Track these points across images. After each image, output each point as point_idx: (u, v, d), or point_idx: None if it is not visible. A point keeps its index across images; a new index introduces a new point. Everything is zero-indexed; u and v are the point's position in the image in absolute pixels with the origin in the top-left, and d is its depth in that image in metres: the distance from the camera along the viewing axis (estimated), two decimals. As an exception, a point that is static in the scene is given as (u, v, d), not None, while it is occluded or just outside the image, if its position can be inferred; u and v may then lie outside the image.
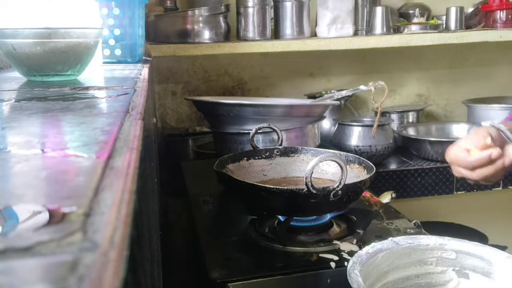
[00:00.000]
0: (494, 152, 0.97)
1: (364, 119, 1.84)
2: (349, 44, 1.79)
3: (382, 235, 0.94)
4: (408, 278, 0.81)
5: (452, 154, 1.03)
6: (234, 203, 1.08)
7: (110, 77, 0.98)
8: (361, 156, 1.09)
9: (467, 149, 1.00)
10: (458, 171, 1.03)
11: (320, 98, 1.52)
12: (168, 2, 1.86)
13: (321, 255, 0.87)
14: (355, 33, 1.86)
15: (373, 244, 0.79)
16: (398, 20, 2.05)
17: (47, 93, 0.69)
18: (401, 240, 0.80)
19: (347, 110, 1.98)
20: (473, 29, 1.97)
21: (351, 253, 0.87)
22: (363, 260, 0.74)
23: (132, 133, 0.40)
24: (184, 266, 1.17)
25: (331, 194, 0.86)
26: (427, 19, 2.02)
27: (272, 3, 1.76)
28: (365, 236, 0.94)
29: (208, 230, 1.03)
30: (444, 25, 1.98)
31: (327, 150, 1.26)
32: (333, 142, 1.76)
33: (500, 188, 1.80)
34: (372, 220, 0.99)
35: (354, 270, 0.71)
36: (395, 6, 2.13)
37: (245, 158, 1.13)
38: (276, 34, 1.79)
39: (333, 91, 1.80)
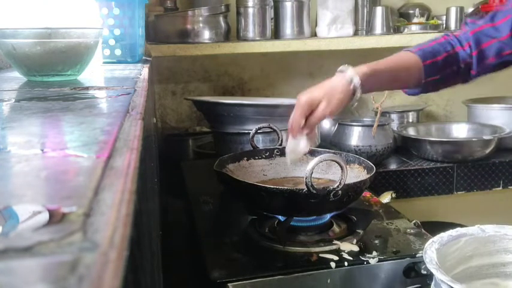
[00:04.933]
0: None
1: (364, 119, 1.84)
2: (349, 44, 1.79)
3: (382, 235, 0.94)
4: (494, 265, 0.82)
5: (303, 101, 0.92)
6: (234, 203, 1.08)
7: (110, 77, 0.98)
8: (361, 156, 1.09)
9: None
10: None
11: (320, 98, 1.51)
12: (168, 2, 1.86)
13: (321, 255, 0.87)
14: (355, 33, 1.86)
15: (457, 228, 0.80)
16: (399, 20, 2.05)
17: (47, 93, 0.69)
18: (488, 228, 0.82)
19: (347, 110, 1.98)
20: (473, 29, 1.96)
21: (351, 253, 0.87)
22: (443, 241, 0.77)
23: (132, 133, 0.40)
24: (184, 266, 1.17)
25: (331, 194, 0.86)
26: (427, 19, 2.02)
27: (272, 3, 1.76)
28: (365, 236, 0.94)
29: (208, 230, 1.03)
30: (444, 25, 1.98)
31: (327, 150, 1.26)
32: (333, 142, 1.76)
33: (500, 188, 1.80)
34: (372, 220, 0.99)
35: (431, 248, 0.74)
36: (395, 6, 2.13)
37: (245, 158, 1.13)
38: (276, 34, 1.79)
39: (333, 91, 1.79)
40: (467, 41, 1.04)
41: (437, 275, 0.70)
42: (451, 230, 0.81)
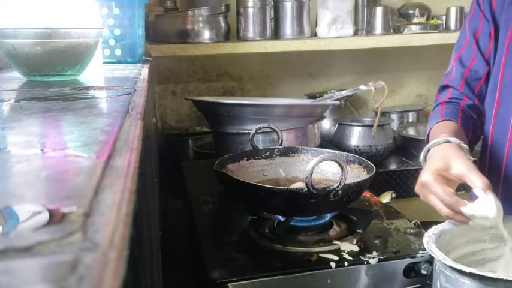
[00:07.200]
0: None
1: (364, 119, 1.84)
2: (349, 44, 1.79)
3: (382, 235, 0.94)
4: (465, 256, 0.83)
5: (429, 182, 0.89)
6: (234, 203, 1.08)
7: (110, 77, 0.98)
8: (361, 156, 1.09)
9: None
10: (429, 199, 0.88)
11: (320, 98, 1.51)
12: (168, 2, 1.86)
13: (321, 255, 0.87)
14: (355, 33, 1.86)
15: (434, 226, 0.82)
16: (398, 20, 2.05)
17: (47, 93, 0.69)
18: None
19: (347, 110, 1.98)
20: (473, 29, 1.96)
21: (351, 253, 0.87)
22: (433, 239, 0.79)
23: (132, 133, 0.40)
24: (184, 266, 1.17)
25: (331, 194, 0.86)
26: (427, 19, 2.02)
27: (272, 3, 1.76)
28: (365, 236, 0.94)
29: (208, 230, 1.03)
30: (444, 25, 1.98)
31: (327, 150, 1.26)
32: (333, 142, 1.76)
33: (500, 188, 1.79)
34: (372, 220, 0.99)
35: (432, 245, 0.77)
36: (395, 6, 2.13)
37: (245, 158, 1.13)
38: (276, 34, 1.79)
39: (333, 91, 1.79)
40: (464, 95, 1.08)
41: (446, 262, 0.71)
42: (431, 229, 0.82)
